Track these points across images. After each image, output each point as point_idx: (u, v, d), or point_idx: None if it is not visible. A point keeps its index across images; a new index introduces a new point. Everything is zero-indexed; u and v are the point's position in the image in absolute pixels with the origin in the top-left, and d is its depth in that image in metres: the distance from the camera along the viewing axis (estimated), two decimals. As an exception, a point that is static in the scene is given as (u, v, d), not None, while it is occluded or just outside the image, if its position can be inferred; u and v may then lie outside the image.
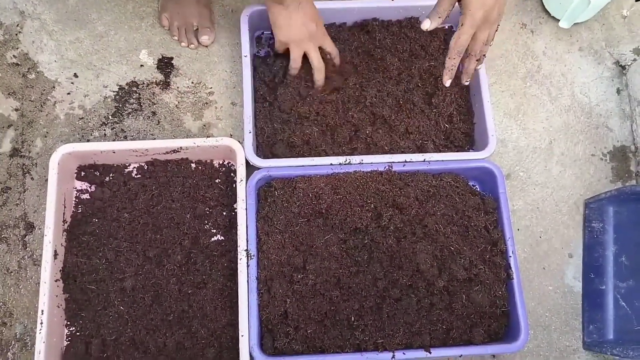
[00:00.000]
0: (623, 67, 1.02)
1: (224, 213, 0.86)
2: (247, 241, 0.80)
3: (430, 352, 0.77)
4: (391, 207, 0.84)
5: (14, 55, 0.96)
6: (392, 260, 0.82)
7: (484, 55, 0.80)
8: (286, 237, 0.82)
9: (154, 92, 0.95)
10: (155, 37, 0.98)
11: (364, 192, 0.84)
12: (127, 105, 0.94)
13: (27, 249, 0.87)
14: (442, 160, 0.87)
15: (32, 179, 0.90)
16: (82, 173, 0.87)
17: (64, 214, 0.83)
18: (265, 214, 0.83)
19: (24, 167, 0.91)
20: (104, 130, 0.93)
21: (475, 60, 0.79)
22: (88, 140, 0.92)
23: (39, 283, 0.78)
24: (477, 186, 0.90)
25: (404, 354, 0.77)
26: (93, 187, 0.87)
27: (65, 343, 0.81)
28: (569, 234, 0.93)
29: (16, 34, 0.97)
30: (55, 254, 0.80)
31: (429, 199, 0.85)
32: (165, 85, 0.95)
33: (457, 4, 0.73)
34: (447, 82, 0.80)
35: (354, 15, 0.94)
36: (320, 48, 0.87)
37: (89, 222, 0.85)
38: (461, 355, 0.79)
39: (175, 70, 0.96)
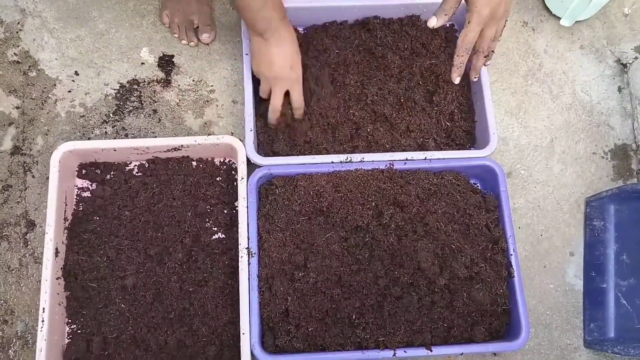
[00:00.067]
0: (624, 65, 1.02)
1: (225, 211, 0.86)
2: (248, 239, 0.80)
3: (431, 350, 0.77)
4: (392, 205, 0.84)
5: (14, 53, 0.95)
6: (393, 258, 0.82)
7: (492, 51, 0.79)
8: (287, 235, 0.82)
9: (155, 90, 0.95)
10: (156, 35, 0.98)
11: (365, 190, 0.84)
12: (128, 103, 0.94)
13: (28, 246, 0.87)
14: (443, 159, 0.87)
15: (33, 176, 0.90)
16: (83, 171, 0.87)
17: (65, 211, 0.83)
18: (266, 212, 0.83)
19: (25, 165, 0.91)
20: (105, 128, 0.93)
21: (484, 56, 0.79)
22: (89, 138, 0.92)
23: (40, 281, 0.79)
24: (478, 184, 0.90)
25: (405, 352, 0.77)
26: (94, 185, 0.87)
27: (67, 341, 0.81)
28: (570, 232, 0.93)
29: (17, 32, 0.97)
30: (57, 252, 0.80)
31: (430, 197, 0.85)
32: (166, 83, 0.95)
33: (463, 1, 0.73)
34: (456, 80, 0.80)
35: (355, 13, 0.94)
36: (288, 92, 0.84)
37: (90, 220, 0.85)
38: (462, 353, 0.79)
39: (176, 68, 0.96)
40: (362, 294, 0.80)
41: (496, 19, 0.73)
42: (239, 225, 0.80)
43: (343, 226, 0.83)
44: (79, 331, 0.81)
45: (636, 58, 1.01)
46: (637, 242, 0.87)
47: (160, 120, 0.94)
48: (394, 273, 0.81)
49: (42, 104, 0.93)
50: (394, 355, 0.77)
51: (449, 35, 0.95)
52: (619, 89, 1.01)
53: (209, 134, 0.92)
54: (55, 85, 0.94)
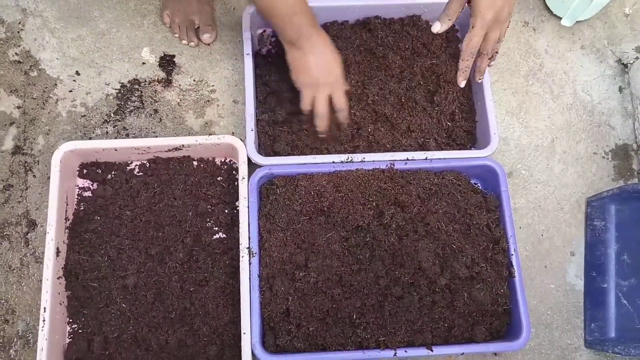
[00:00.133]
0: (625, 66, 1.02)
1: (226, 211, 0.87)
2: (249, 239, 0.80)
3: (432, 350, 0.77)
4: (393, 205, 0.84)
5: (16, 53, 0.96)
6: (394, 258, 0.82)
7: (496, 52, 0.80)
8: (288, 235, 0.82)
9: (156, 90, 0.95)
10: (157, 34, 0.98)
11: (366, 190, 0.84)
12: (129, 103, 0.94)
13: (30, 246, 0.87)
14: (444, 159, 0.87)
15: (34, 176, 0.90)
16: (84, 171, 0.87)
17: (66, 211, 0.83)
18: (267, 211, 0.83)
19: (26, 164, 0.91)
20: (106, 128, 0.93)
21: (488, 58, 0.79)
22: (90, 138, 0.92)
23: (41, 280, 0.79)
24: (479, 184, 0.90)
25: (406, 351, 0.77)
26: (95, 185, 0.87)
27: (68, 340, 0.81)
28: (570, 232, 0.93)
29: (18, 32, 0.97)
30: (58, 252, 0.80)
31: (431, 197, 0.85)
32: (167, 83, 0.95)
33: (466, 5, 0.73)
34: (462, 83, 0.81)
35: (356, 13, 0.94)
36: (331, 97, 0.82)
37: (91, 219, 0.85)
38: (463, 353, 0.79)
39: (177, 68, 0.96)
40: (363, 293, 0.80)
41: (500, 22, 0.74)
42: (239, 225, 0.80)
43: (344, 226, 0.83)
44: (80, 331, 0.81)
45: (637, 58, 1.01)
46: (637, 242, 0.87)
47: (161, 120, 0.94)
48: (395, 273, 0.81)
49: (43, 103, 0.94)
50: (395, 355, 0.77)
51: (449, 35, 0.95)
52: (620, 89, 1.01)
53: (209, 134, 0.92)
54: (56, 85, 0.94)
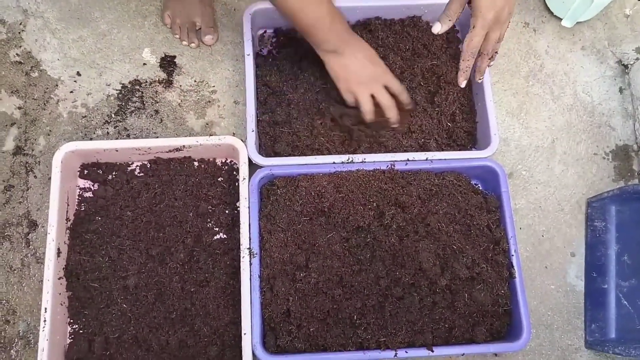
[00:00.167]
0: (625, 66, 1.02)
1: (227, 211, 0.87)
2: (249, 239, 0.81)
3: (432, 351, 0.77)
4: (393, 205, 0.84)
5: (17, 54, 0.96)
6: (394, 258, 0.82)
7: (496, 52, 0.80)
8: (289, 235, 0.82)
9: (156, 91, 0.95)
10: (158, 35, 0.98)
11: (367, 190, 0.84)
12: (129, 103, 0.94)
13: (30, 246, 0.87)
14: (445, 159, 0.87)
15: (35, 177, 0.90)
16: (85, 171, 0.87)
17: (67, 212, 0.84)
18: (267, 212, 0.84)
19: (27, 165, 0.91)
20: (107, 128, 0.93)
21: (488, 58, 0.79)
22: (91, 139, 0.92)
23: (42, 281, 0.79)
24: (479, 185, 0.90)
25: (407, 352, 0.77)
26: (96, 186, 0.87)
27: (68, 341, 0.81)
28: (571, 233, 0.93)
29: (19, 32, 0.97)
30: (59, 252, 0.80)
31: (432, 198, 0.86)
32: (168, 83, 0.96)
33: (466, 5, 0.74)
34: (463, 83, 0.81)
35: (356, 14, 0.94)
36: (386, 87, 0.83)
37: (92, 220, 0.85)
38: (463, 353, 0.80)
39: (178, 69, 0.96)
40: (364, 294, 0.80)
41: (500, 22, 0.74)
42: (240, 225, 0.81)
43: (344, 226, 0.83)
44: (81, 331, 0.81)
45: (637, 59, 1.01)
46: (638, 242, 0.87)
47: (162, 120, 0.94)
48: (395, 273, 0.81)
49: (44, 104, 0.94)
50: (395, 355, 0.77)
51: (450, 36, 0.95)
52: (620, 90, 1.01)
53: (210, 135, 0.92)
54: (57, 85, 0.95)
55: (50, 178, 0.82)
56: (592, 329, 0.88)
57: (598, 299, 0.88)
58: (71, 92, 0.94)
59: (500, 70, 1.00)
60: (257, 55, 0.93)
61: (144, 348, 0.80)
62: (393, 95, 0.83)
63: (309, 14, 0.73)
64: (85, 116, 0.93)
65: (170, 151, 0.86)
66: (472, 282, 0.81)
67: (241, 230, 0.80)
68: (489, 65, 0.81)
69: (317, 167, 0.85)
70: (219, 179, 0.88)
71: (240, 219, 0.81)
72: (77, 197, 0.87)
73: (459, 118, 0.91)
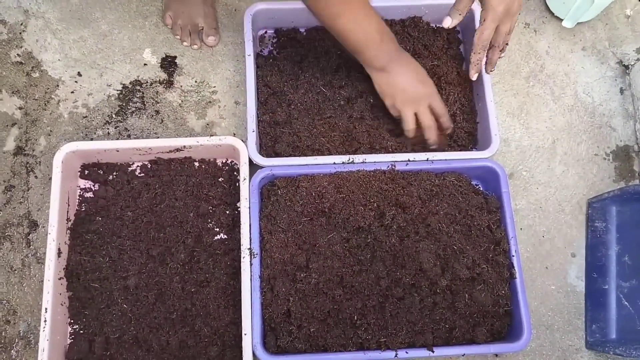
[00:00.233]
0: (626, 67, 1.02)
1: (227, 212, 0.87)
2: (250, 240, 0.81)
3: (433, 351, 0.77)
4: (394, 206, 0.84)
5: (18, 54, 0.96)
6: (395, 259, 0.82)
7: (507, 44, 0.80)
8: (289, 235, 0.82)
9: (157, 91, 0.95)
10: (159, 36, 0.98)
11: (367, 191, 0.84)
12: (130, 104, 0.94)
13: (31, 247, 0.87)
14: (445, 160, 0.87)
15: (35, 177, 0.90)
16: (86, 171, 0.87)
17: (67, 212, 0.84)
18: (268, 212, 0.84)
19: (27, 165, 0.91)
20: (108, 128, 0.93)
21: (499, 50, 0.79)
22: (92, 139, 0.92)
23: (42, 281, 0.79)
24: (480, 185, 0.90)
25: (407, 352, 0.77)
26: (97, 186, 0.87)
27: (69, 341, 0.81)
28: (571, 234, 0.93)
29: (20, 33, 0.97)
30: (59, 252, 0.80)
31: (432, 198, 0.85)
32: (169, 84, 0.96)
33: None
34: (474, 77, 0.82)
35: (357, 15, 0.94)
36: (430, 107, 0.84)
37: (92, 220, 0.85)
38: (464, 354, 0.79)
39: (178, 69, 0.97)
40: (364, 294, 0.80)
41: (510, 14, 0.74)
42: (241, 226, 0.81)
43: (345, 227, 0.83)
44: (81, 331, 0.81)
45: (638, 60, 1.01)
46: (638, 243, 0.87)
47: (162, 121, 0.94)
48: (396, 274, 0.81)
49: (45, 104, 0.94)
50: (396, 356, 0.77)
51: (450, 36, 0.95)
52: (621, 91, 1.01)
53: (211, 135, 0.93)
54: (58, 86, 0.95)
55: (50, 178, 0.83)
56: (592, 330, 0.88)
57: (599, 300, 0.88)
58: (72, 92, 0.95)
59: (500, 71, 1.00)
60: (257, 56, 0.94)
61: (144, 348, 0.80)
62: (435, 116, 0.85)
63: (358, 33, 0.75)
64: (86, 116, 0.94)
65: (170, 151, 0.86)
66: (472, 283, 0.81)
67: (242, 231, 0.80)
68: (500, 57, 0.82)
69: (317, 168, 0.85)
70: (220, 180, 0.88)
71: (241, 219, 0.81)
72: (77, 197, 0.87)
73: (460, 118, 0.91)
